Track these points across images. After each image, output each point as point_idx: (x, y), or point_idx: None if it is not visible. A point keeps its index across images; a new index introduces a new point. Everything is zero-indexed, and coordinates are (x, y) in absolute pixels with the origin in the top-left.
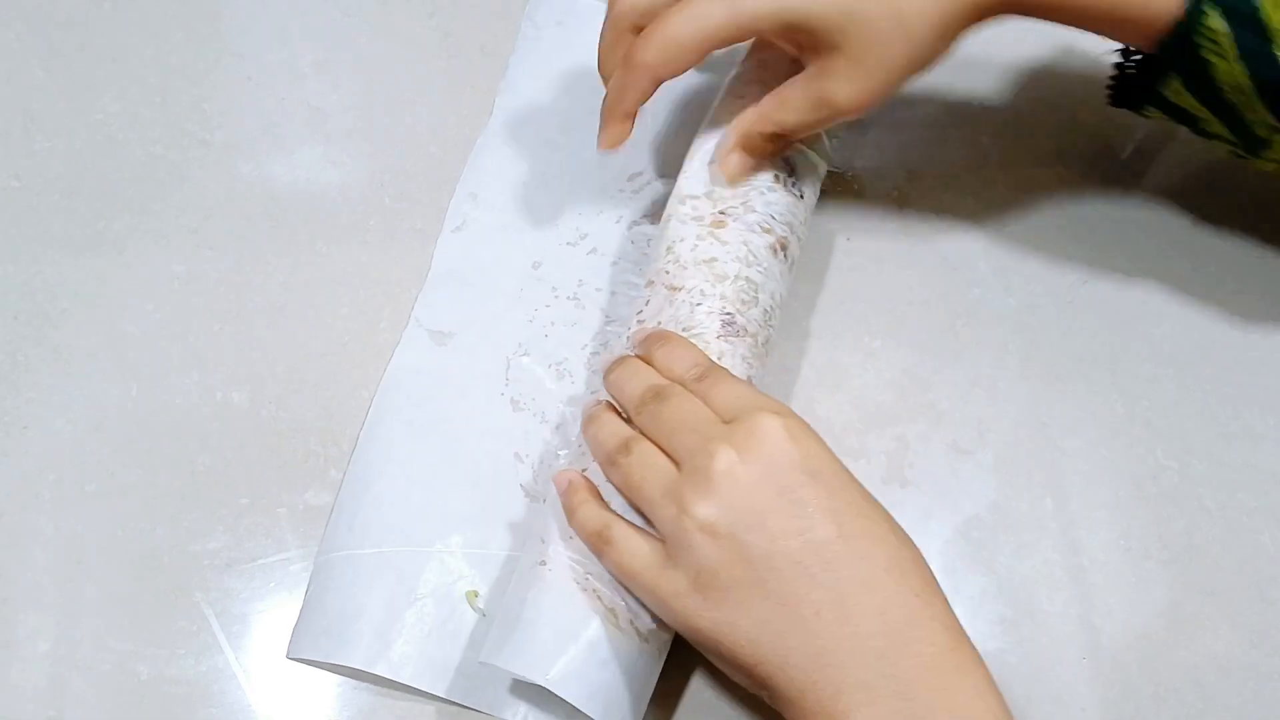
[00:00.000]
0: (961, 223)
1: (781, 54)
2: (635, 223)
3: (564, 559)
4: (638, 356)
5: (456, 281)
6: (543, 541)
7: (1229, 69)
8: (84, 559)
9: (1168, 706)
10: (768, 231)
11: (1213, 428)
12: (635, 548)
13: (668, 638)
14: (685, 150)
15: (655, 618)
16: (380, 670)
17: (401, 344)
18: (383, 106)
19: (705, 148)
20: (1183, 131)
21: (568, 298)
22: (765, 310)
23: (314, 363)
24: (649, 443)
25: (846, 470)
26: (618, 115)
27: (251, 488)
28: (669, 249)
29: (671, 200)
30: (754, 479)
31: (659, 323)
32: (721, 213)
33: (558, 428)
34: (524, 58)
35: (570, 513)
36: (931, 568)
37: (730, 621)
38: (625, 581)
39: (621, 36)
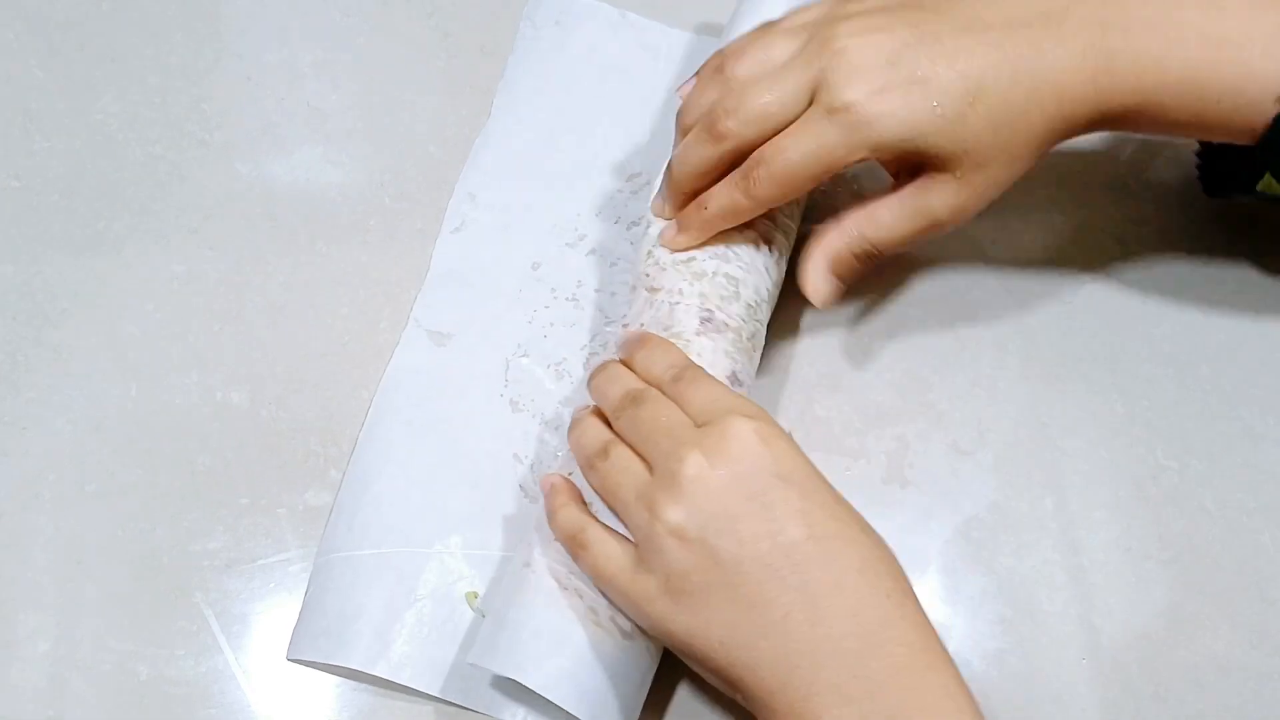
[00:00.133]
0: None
1: None
2: (634, 223)
3: (546, 560)
4: (620, 360)
5: (456, 282)
6: (529, 544)
7: None
8: (84, 559)
9: (1168, 706)
10: (749, 226)
11: (1213, 428)
12: (609, 551)
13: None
14: None
15: None
16: (380, 671)
17: (401, 344)
18: (383, 106)
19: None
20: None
21: (567, 298)
22: (749, 304)
23: (314, 363)
24: (626, 447)
25: (818, 473)
26: (709, 229)
27: (251, 488)
28: (649, 252)
29: (652, 202)
30: (723, 483)
31: (641, 324)
32: None
33: (556, 428)
34: (522, 58)
35: (551, 515)
36: (935, 568)
37: (701, 625)
38: (600, 585)
39: (722, 154)
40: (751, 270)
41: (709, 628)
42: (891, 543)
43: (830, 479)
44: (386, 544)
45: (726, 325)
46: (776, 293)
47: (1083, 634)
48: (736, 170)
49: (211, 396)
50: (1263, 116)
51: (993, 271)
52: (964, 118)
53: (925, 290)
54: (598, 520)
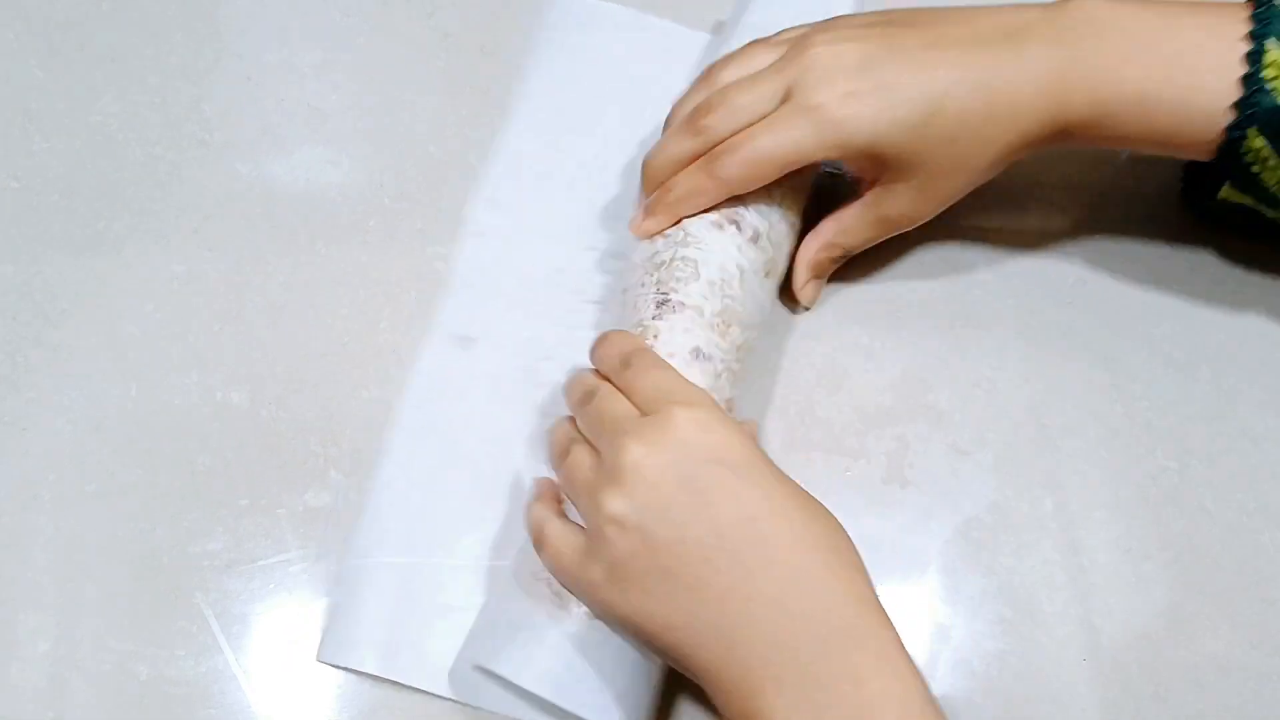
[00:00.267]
0: (961, 224)
1: None
2: None
3: (520, 555)
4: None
5: (478, 286)
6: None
7: (1277, 176)
8: (84, 559)
9: (1168, 707)
10: (706, 211)
11: (1213, 428)
12: (563, 543)
13: None
14: None
15: None
16: (416, 682)
17: (425, 349)
18: (383, 106)
19: None
20: None
21: (590, 301)
22: (710, 282)
23: (314, 363)
24: (584, 444)
25: (760, 456)
26: (673, 212)
27: (251, 488)
28: (629, 259)
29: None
30: (660, 470)
31: (617, 324)
32: None
33: None
34: (540, 62)
35: (525, 514)
36: (935, 568)
37: (645, 610)
38: (556, 576)
39: (697, 148)
40: (711, 250)
41: (652, 612)
42: (891, 543)
43: (830, 479)
44: (417, 553)
45: (683, 305)
46: (760, 269)
47: (1083, 634)
48: (704, 155)
49: (211, 397)
50: (1214, 130)
51: (993, 272)
52: (925, 126)
53: (925, 291)
54: (564, 516)
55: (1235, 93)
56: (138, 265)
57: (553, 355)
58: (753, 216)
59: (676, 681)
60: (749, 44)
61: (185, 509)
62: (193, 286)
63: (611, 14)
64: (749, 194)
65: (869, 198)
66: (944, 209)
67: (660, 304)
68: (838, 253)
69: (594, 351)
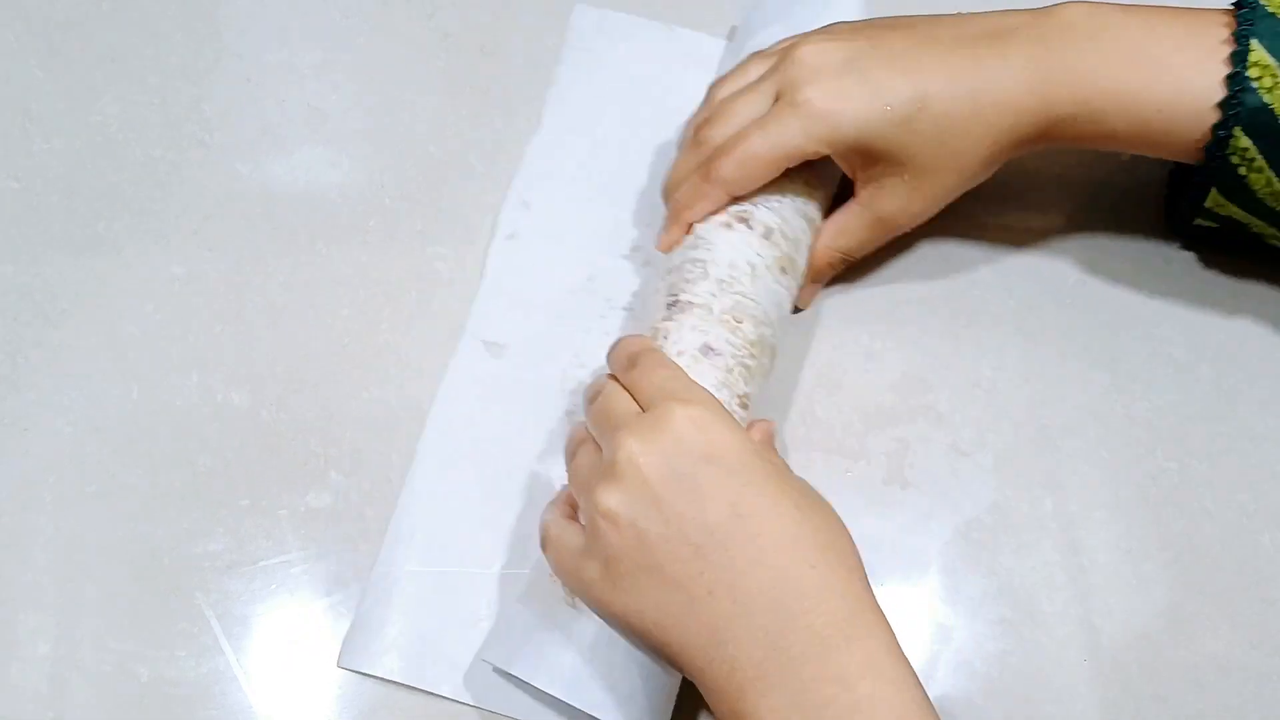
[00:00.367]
0: (962, 223)
1: None
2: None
3: (539, 560)
4: None
5: (510, 292)
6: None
7: (1264, 179)
8: (84, 560)
9: (1168, 707)
10: (720, 213)
11: (1213, 428)
12: (563, 541)
13: None
14: None
15: None
16: (437, 689)
17: (457, 355)
18: (383, 107)
19: None
20: None
21: (622, 308)
22: (719, 280)
23: (314, 363)
24: (592, 442)
25: (755, 453)
26: (685, 222)
27: (252, 489)
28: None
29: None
30: (653, 467)
31: (639, 332)
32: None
33: None
34: (571, 67)
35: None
36: (935, 569)
37: (636, 606)
38: (558, 574)
39: (700, 160)
40: (721, 249)
41: (643, 609)
42: (892, 543)
43: (830, 480)
44: (447, 562)
45: (691, 304)
46: (774, 264)
47: (1083, 634)
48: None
49: (212, 397)
50: (1200, 129)
51: (993, 272)
52: (912, 121)
53: (925, 291)
54: (573, 519)
55: (1220, 93)
56: (138, 265)
57: (584, 363)
58: (763, 213)
59: (692, 682)
60: (745, 58)
61: (186, 510)
62: (193, 287)
63: (636, 25)
64: (759, 192)
65: (863, 196)
66: (939, 209)
67: (670, 305)
68: (836, 256)
69: (608, 355)
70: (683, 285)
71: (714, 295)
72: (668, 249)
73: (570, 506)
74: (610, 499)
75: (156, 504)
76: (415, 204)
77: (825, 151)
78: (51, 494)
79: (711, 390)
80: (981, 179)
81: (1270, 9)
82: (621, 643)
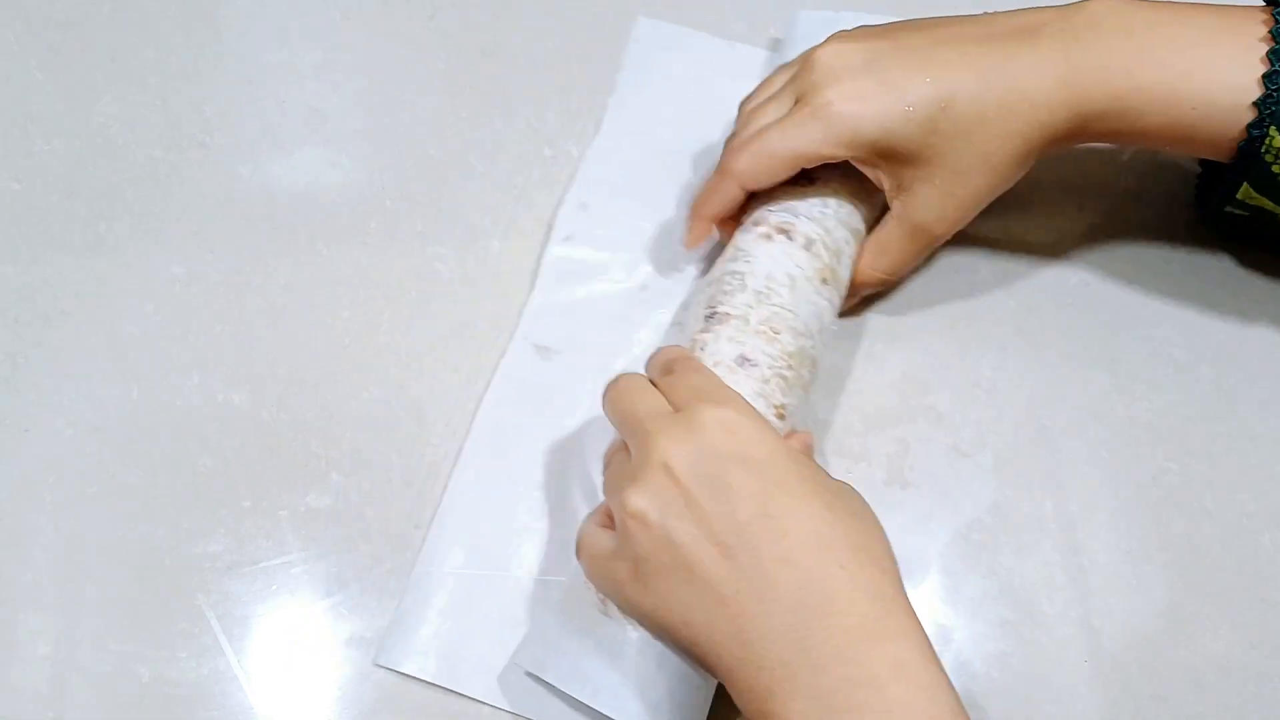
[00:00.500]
0: None
1: None
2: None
3: (577, 566)
4: None
5: (563, 296)
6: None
7: None
8: (85, 560)
9: (1168, 707)
10: (758, 225)
11: (1213, 428)
12: (595, 546)
13: None
14: None
15: None
16: (477, 694)
17: (507, 357)
18: (383, 107)
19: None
20: None
21: (673, 319)
22: (756, 291)
23: (314, 363)
24: (626, 448)
25: (785, 454)
26: (703, 217)
27: (252, 489)
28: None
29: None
30: (684, 468)
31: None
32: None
33: None
34: (632, 75)
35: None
36: (935, 570)
37: (665, 606)
38: (590, 578)
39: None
40: (760, 261)
41: (671, 608)
42: (892, 544)
43: None
44: (488, 565)
45: (729, 316)
46: (815, 276)
47: (1083, 635)
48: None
49: (212, 397)
50: (1235, 127)
51: (993, 273)
52: (935, 121)
53: (925, 292)
54: (609, 528)
55: (1255, 91)
56: (138, 266)
57: (632, 369)
58: (806, 225)
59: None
60: (772, 72)
61: (186, 510)
62: (193, 287)
63: (696, 38)
64: (802, 203)
65: (896, 207)
66: (975, 213)
67: (708, 317)
68: (877, 277)
69: (647, 363)
70: (721, 297)
71: (751, 307)
72: (691, 246)
73: (607, 517)
74: (639, 499)
75: (157, 504)
76: (415, 204)
77: (844, 155)
78: (51, 494)
79: (748, 400)
80: (1014, 180)
81: None
82: (654, 652)
